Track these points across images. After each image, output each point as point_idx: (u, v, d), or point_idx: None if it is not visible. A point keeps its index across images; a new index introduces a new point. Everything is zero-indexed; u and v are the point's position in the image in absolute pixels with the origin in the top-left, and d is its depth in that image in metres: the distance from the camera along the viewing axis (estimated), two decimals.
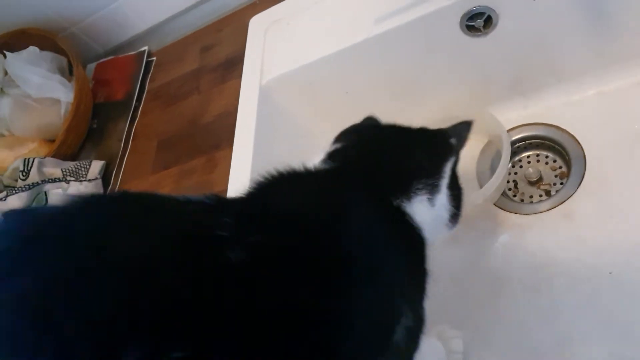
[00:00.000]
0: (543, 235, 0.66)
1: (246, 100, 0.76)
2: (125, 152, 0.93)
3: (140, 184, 0.86)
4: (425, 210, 0.47)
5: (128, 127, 0.95)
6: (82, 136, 0.96)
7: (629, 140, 0.66)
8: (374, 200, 0.45)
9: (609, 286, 0.59)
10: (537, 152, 0.75)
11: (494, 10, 0.63)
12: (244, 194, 0.43)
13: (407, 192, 0.46)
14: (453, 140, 0.54)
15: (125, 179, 0.89)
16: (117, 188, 0.88)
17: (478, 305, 0.65)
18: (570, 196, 0.67)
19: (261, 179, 0.44)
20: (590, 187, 0.66)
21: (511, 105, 0.75)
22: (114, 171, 0.90)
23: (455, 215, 0.52)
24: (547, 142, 0.73)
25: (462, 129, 0.56)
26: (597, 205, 0.64)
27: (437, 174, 0.50)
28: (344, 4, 0.72)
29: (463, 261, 0.69)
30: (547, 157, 0.74)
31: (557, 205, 0.67)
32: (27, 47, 0.94)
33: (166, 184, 0.81)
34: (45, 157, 0.88)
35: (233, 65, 0.85)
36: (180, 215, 0.38)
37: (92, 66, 1.06)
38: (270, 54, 0.78)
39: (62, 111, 0.91)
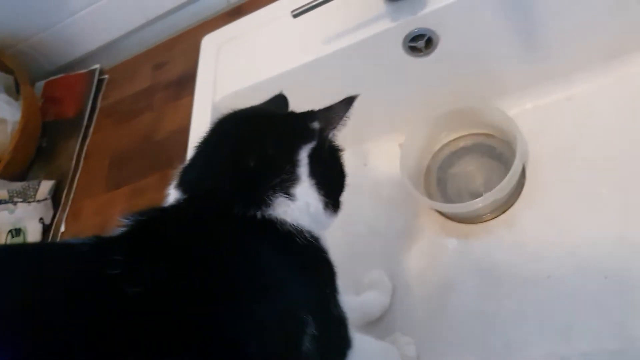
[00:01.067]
0: (488, 243, 0.69)
1: (199, 117, 0.77)
2: (77, 170, 0.92)
3: (93, 203, 0.85)
4: (292, 207, 0.47)
5: (79, 145, 0.94)
6: (31, 155, 0.94)
7: (563, 151, 0.70)
8: (235, 222, 0.45)
9: (547, 289, 0.63)
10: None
11: (434, 32, 0.67)
12: (124, 230, 0.44)
13: (262, 200, 0.46)
14: (315, 124, 0.51)
15: (76, 198, 0.88)
16: (68, 208, 0.87)
17: (429, 312, 0.68)
18: (511, 205, 0.71)
19: (138, 216, 0.44)
20: (530, 196, 0.70)
21: None
22: (65, 191, 0.89)
23: (328, 205, 0.50)
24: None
25: (337, 107, 0.52)
26: (536, 213, 0.68)
27: (290, 162, 0.48)
28: (295, 25, 0.74)
29: (414, 269, 0.72)
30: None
31: (500, 214, 0.71)
32: None
33: (118, 202, 0.81)
34: None
35: (186, 83, 0.86)
36: (69, 262, 0.39)
37: (41, 84, 1.05)
38: (223, 71, 0.80)
39: (9, 130, 0.89)
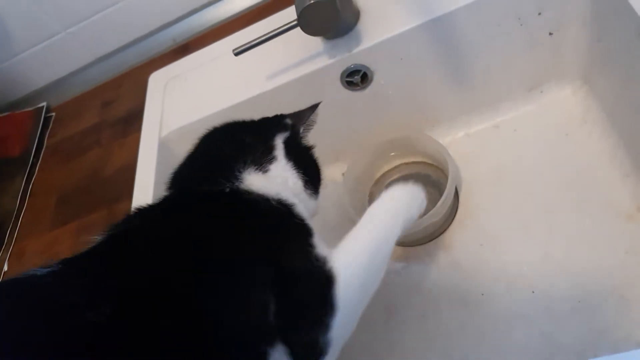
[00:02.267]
0: (427, 265, 0.73)
1: (145, 153, 0.78)
2: (22, 209, 0.90)
3: (37, 242, 0.84)
4: (262, 179, 0.52)
5: (25, 184, 0.93)
6: None
7: (493, 175, 0.75)
8: (203, 198, 0.49)
9: (482, 306, 0.66)
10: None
11: (368, 68, 0.71)
12: (93, 244, 0.46)
13: (231, 175, 0.51)
14: (287, 120, 0.59)
15: (20, 236, 0.87)
16: (11, 248, 0.85)
17: (373, 334, 0.70)
18: (447, 228, 0.75)
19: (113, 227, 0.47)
20: (463, 219, 0.74)
21: None
22: (9, 230, 0.88)
23: (308, 184, 0.56)
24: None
25: (305, 110, 0.62)
26: (470, 235, 0.72)
27: (265, 146, 0.55)
28: (238, 63, 0.78)
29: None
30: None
31: (437, 237, 0.75)
32: None
33: (65, 239, 0.80)
34: None
35: (133, 120, 0.88)
36: (34, 297, 0.40)
37: None
38: (170, 107, 0.82)
39: None
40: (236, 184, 0.50)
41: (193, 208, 0.49)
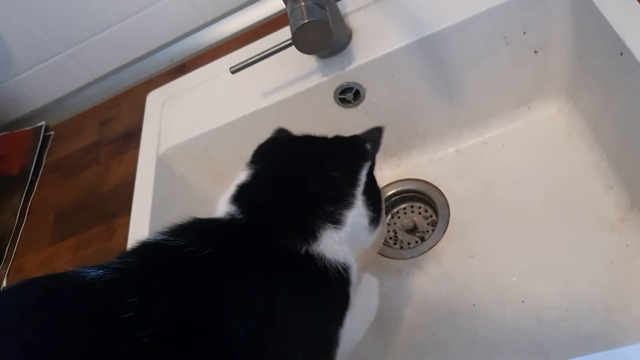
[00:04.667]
0: (419, 277, 0.74)
1: (143, 169, 0.80)
2: (20, 226, 0.91)
3: (36, 257, 0.85)
4: (336, 237, 0.46)
5: (23, 202, 0.94)
6: None
7: (482, 189, 0.78)
8: (276, 256, 0.44)
9: (473, 317, 0.68)
10: (412, 203, 0.85)
11: (360, 85, 0.74)
12: (142, 253, 0.43)
13: (310, 232, 0.45)
14: (368, 146, 0.54)
15: (20, 253, 0.88)
16: (10, 263, 0.86)
17: (365, 346, 0.71)
18: (438, 241, 0.77)
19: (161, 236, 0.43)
20: (454, 231, 0.76)
21: (386, 165, 0.85)
22: (7, 246, 0.89)
23: (374, 219, 0.51)
24: (418, 194, 0.84)
25: (375, 133, 0.57)
26: (460, 247, 0.74)
27: (350, 185, 0.49)
28: (234, 81, 0.80)
29: None
30: (420, 207, 0.84)
31: (428, 250, 0.76)
32: None
33: (63, 254, 0.81)
34: None
35: (131, 137, 0.89)
36: (83, 301, 0.37)
37: None
38: (167, 125, 0.84)
39: None
40: (312, 245, 0.44)
41: (265, 263, 0.43)
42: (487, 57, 0.73)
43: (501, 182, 0.77)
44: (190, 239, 0.43)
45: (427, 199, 0.83)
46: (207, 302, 0.39)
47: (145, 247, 0.43)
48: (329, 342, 0.46)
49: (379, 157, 0.83)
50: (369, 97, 0.76)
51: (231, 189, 0.50)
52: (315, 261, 0.45)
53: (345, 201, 0.48)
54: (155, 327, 0.35)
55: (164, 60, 0.94)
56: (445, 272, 0.73)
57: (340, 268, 0.46)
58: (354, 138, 0.56)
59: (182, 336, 0.36)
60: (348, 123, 0.79)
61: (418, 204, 0.85)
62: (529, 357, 0.61)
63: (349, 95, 0.75)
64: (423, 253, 0.77)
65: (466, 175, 0.80)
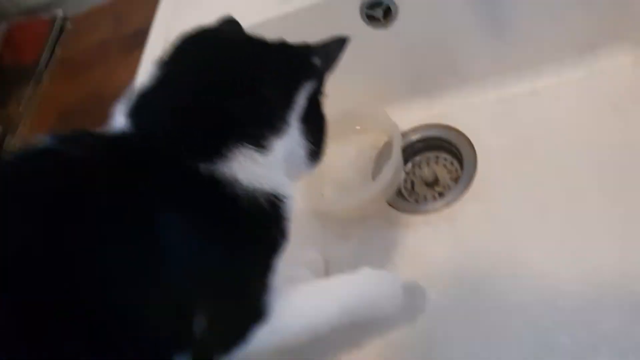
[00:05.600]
0: (427, 235, 0.65)
1: (145, 72, 0.73)
2: (24, 119, 0.88)
3: None
4: (258, 163, 0.39)
5: (31, 94, 0.90)
6: None
7: (520, 147, 0.65)
8: (171, 174, 0.37)
9: (479, 290, 0.58)
10: (437, 153, 0.74)
11: (392, 1, 0.62)
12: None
13: (219, 147, 0.38)
14: (316, 59, 0.44)
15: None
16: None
17: None
18: (456, 199, 0.66)
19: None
20: (477, 191, 0.65)
21: (414, 104, 0.74)
22: (6, 138, 0.85)
23: (314, 153, 0.44)
24: (445, 143, 0.73)
25: (333, 45, 0.46)
26: (480, 210, 0.63)
27: (285, 107, 0.41)
28: None
29: (349, 257, 0.67)
30: (445, 159, 0.73)
31: (444, 207, 0.66)
32: None
33: None
34: None
35: (142, 37, 0.82)
36: None
37: (3, 27, 1.00)
38: (177, 26, 0.75)
39: None
40: (219, 164, 0.37)
41: (152, 185, 0.37)
42: None
43: (543, 141, 0.64)
44: (74, 149, 0.37)
45: (454, 150, 0.71)
46: (77, 228, 0.33)
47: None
48: (249, 289, 0.39)
49: (407, 92, 0.73)
50: (403, 18, 0.64)
51: (130, 95, 0.42)
52: (223, 185, 0.37)
53: (273, 125, 0.40)
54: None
55: None
56: (458, 234, 0.63)
57: (264, 197, 0.39)
58: (302, 48, 0.46)
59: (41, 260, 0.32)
60: (375, 47, 0.67)
61: (444, 155, 0.73)
62: (532, 345, 0.52)
63: (378, 10, 0.63)
64: (437, 210, 0.67)
65: (504, 127, 0.68)
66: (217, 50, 0.43)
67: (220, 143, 0.38)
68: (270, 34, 0.68)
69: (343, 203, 0.69)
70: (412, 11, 0.63)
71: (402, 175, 0.71)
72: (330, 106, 0.73)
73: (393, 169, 0.65)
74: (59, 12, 0.96)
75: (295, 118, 0.42)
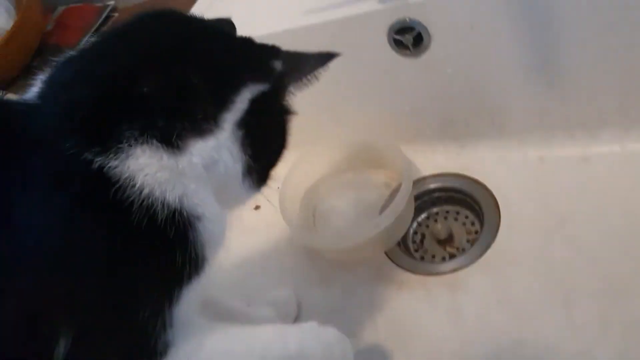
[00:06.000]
0: (420, 300, 0.55)
1: None
2: None
3: None
4: (167, 164, 0.32)
5: None
6: (15, 71, 0.91)
7: (551, 222, 0.54)
8: (57, 163, 0.31)
9: None
10: (458, 208, 0.64)
11: (425, 28, 0.54)
12: None
13: (123, 134, 0.31)
14: (277, 63, 0.38)
15: None
16: None
17: None
18: (466, 265, 0.55)
19: None
20: (491, 261, 0.54)
21: (441, 148, 0.64)
22: None
23: (254, 172, 0.37)
24: (469, 199, 0.62)
25: (309, 57, 0.40)
26: (489, 284, 0.53)
27: (218, 105, 0.34)
28: None
29: (325, 305, 0.58)
30: (466, 217, 0.63)
31: (450, 272, 0.56)
32: None
33: None
34: None
35: None
36: None
37: (61, 9, 1.02)
38: None
39: None
40: (111, 157, 0.30)
41: (25, 157, 0.32)
42: (626, 32, 0.49)
43: (584, 219, 0.53)
44: None
45: (477, 208, 0.61)
46: None
47: None
48: (138, 322, 0.31)
49: (434, 134, 0.64)
50: (435, 48, 0.55)
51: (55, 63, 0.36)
52: (112, 184, 0.30)
53: (193, 120, 0.33)
54: None
55: None
56: (458, 306, 0.52)
57: (167, 211, 0.31)
58: (265, 48, 0.39)
59: None
60: (402, 77, 0.59)
61: (465, 212, 0.63)
62: None
63: (407, 37, 0.55)
64: (441, 274, 0.56)
65: (540, 194, 0.57)
66: (164, 31, 0.37)
67: (116, 129, 0.31)
68: (291, 45, 0.62)
69: (332, 242, 0.61)
70: (447, 42, 0.54)
71: (407, 224, 0.61)
72: (347, 134, 0.67)
73: (394, 215, 0.56)
74: (111, 2, 0.96)
75: (231, 122, 0.35)
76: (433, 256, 0.61)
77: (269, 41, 0.59)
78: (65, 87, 0.34)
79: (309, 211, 0.67)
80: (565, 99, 0.55)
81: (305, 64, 0.39)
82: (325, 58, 0.40)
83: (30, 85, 0.36)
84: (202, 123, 0.33)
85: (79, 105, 0.32)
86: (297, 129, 0.69)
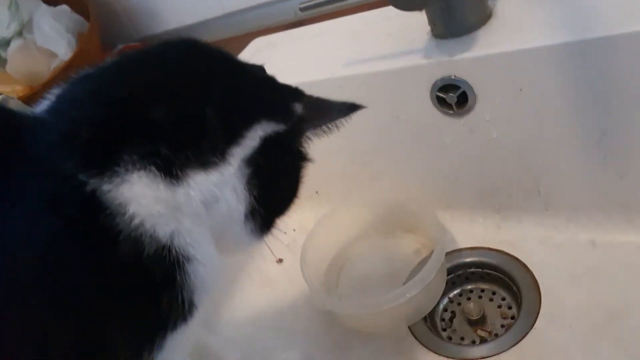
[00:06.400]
0: None
1: None
2: None
3: None
4: (162, 192, 0.30)
5: None
6: None
7: (603, 314, 0.47)
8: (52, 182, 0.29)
9: None
10: (493, 288, 0.57)
11: (470, 87, 0.50)
12: None
13: (111, 162, 0.29)
14: (297, 106, 0.37)
15: None
16: None
17: None
18: (496, 354, 0.49)
19: None
20: (524, 352, 0.48)
21: (479, 219, 0.59)
22: None
23: (257, 217, 0.34)
24: (506, 279, 0.56)
25: (333, 104, 0.39)
26: None
27: (227, 138, 0.32)
28: (333, 42, 0.64)
29: None
30: (503, 299, 0.56)
31: (478, 359, 0.49)
32: (61, 4, 0.96)
33: None
34: (13, 98, 0.86)
35: None
36: None
37: (120, 46, 1.06)
38: None
39: (54, 65, 0.89)
40: (105, 182, 0.29)
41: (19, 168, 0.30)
42: None
43: (634, 318, 0.46)
44: None
45: (515, 290, 0.55)
46: None
47: None
48: None
49: (473, 203, 0.59)
50: (480, 110, 0.52)
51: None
52: (102, 209, 0.28)
53: (197, 151, 0.31)
54: None
55: (288, 12, 0.83)
56: None
57: (155, 246, 0.29)
58: (287, 89, 0.38)
59: None
60: (443, 136, 0.56)
61: (502, 293, 0.57)
62: None
63: (451, 96, 0.52)
64: (468, 359, 0.50)
65: (590, 283, 0.50)
66: (185, 59, 0.35)
67: (116, 152, 0.29)
68: (329, 94, 0.61)
69: (350, 307, 0.56)
70: (493, 104, 0.51)
71: (436, 298, 0.55)
72: (381, 192, 0.63)
73: (421, 285, 0.50)
74: None
75: (239, 157, 0.33)
76: (462, 338, 0.54)
77: (309, 89, 0.57)
78: (75, 104, 0.33)
79: (334, 273, 0.63)
80: (624, 177, 0.50)
81: (328, 111, 0.38)
82: (349, 108, 0.39)
83: (44, 98, 0.35)
84: (207, 155, 0.31)
85: (85, 123, 0.31)
86: (328, 182, 0.67)
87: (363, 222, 0.64)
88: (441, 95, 0.52)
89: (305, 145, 0.38)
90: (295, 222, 0.74)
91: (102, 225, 0.28)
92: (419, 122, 0.56)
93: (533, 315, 0.50)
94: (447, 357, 0.51)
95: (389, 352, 0.53)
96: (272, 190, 0.36)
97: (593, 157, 0.49)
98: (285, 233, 0.74)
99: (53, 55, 0.90)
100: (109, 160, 0.29)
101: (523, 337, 0.49)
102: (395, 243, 0.63)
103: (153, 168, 0.29)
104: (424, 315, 0.55)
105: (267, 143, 0.34)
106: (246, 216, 0.34)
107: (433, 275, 0.51)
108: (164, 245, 0.29)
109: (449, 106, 0.53)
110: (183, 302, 0.30)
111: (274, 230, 0.38)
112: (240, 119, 0.33)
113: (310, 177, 0.69)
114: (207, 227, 0.32)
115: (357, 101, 0.58)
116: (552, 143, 0.51)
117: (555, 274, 0.53)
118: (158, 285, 0.29)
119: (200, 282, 0.31)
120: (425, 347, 0.52)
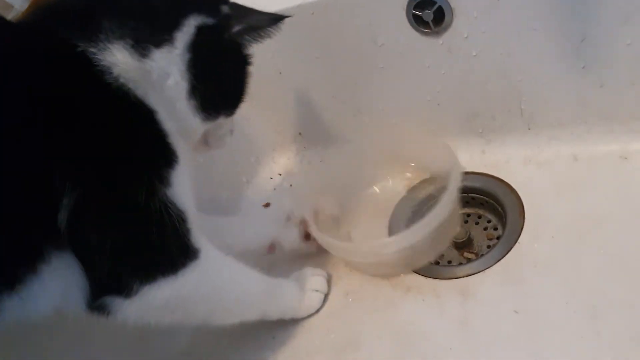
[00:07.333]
0: (428, 305, 0.49)
1: None
2: None
3: None
4: (135, 65, 0.38)
5: None
6: None
7: (583, 227, 0.47)
8: (51, 47, 0.37)
9: None
10: (479, 212, 0.58)
11: (447, 2, 0.49)
12: None
13: (98, 34, 0.37)
14: (224, 7, 0.43)
15: None
16: None
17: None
18: (480, 270, 0.49)
19: None
20: (510, 267, 0.48)
21: (463, 144, 0.58)
22: None
23: (197, 94, 0.41)
24: (492, 201, 0.56)
25: (259, 13, 0.44)
26: (505, 293, 0.46)
27: (166, 21, 0.40)
28: None
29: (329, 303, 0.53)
30: (489, 221, 0.57)
31: (462, 277, 0.50)
32: None
33: None
34: None
35: None
36: None
37: None
38: None
39: (9, 17, 0.86)
40: (94, 49, 0.37)
41: (33, 50, 0.37)
42: None
43: (617, 224, 0.46)
44: None
45: (500, 211, 0.55)
46: None
47: None
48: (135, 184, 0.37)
49: (457, 128, 0.58)
50: (458, 26, 0.50)
51: None
52: (95, 68, 0.36)
53: (153, 31, 0.39)
54: None
55: None
56: (468, 315, 0.46)
57: (135, 98, 0.38)
58: None
59: None
60: (422, 58, 0.54)
61: (487, 215, 0.57)
62: None
63: (427, 12, 0.50)
64: (452, 278, 0.50)
65: (574, 195, 0.51)
66: None
67: (97, 23, 0.37)
68: (303, 21, 0.59)
69: (358, 252, 0.54)
70: (472, 18, 0.49)
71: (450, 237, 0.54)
72: (368, 125, 0.62)
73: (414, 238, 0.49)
74: None
75: (182, 42, 0.40)
76: (449, 261, 0.55)
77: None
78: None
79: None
80: (603, 86, 0.49)
81: (252, 15, 0.44)
82: (274, 19, 0.44)
83: None
84: (160, 34, 0.39)
85: (72, 7, 0.39)
86: (310, 122, 0.66)
87: (365, 162, 0.62)
88: (417, 12, 0.51)
89: (243, 45, 0.44)
90: (280, 166, 0.73)
91: (94, 73, 0.36)
92: (397, 46, 0.54)
93: (517, 232, 0.51)
94: (434, 277, 0.51)
95: (377, 278, 0.53)
96: (212, 76, 0.42)
97: (573, 66, 0.48)
98: (271, 178, 0.74)
99: (7, 6, 0.87)
100: (94, 28, 0.37)
101: (507, 253, 0.49)
102: (401, 180, 0.62)
103: (128, 41, 0.37)
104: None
105: (201, 32, 0.41)
106: (189, 92, 0.41)
107: (446, 213, 0.49)
108: (143, 101, 0.38)
109: (426, 24, 0.51)
110: (163, 141, 0.39)
111: (215, 115, 0.44)
112: (178, 10, 0.41)
113: (291, 118, 0.68)
114: (165, 97, 0.40)
115: (332, 28, 0.57)
116: (532, 55, 0.50)
117: (538, 190, 0.53)
118: (144, 122, 0.38)
119: (169, 130, 0.40)
120: (413, 270, 0.53)
